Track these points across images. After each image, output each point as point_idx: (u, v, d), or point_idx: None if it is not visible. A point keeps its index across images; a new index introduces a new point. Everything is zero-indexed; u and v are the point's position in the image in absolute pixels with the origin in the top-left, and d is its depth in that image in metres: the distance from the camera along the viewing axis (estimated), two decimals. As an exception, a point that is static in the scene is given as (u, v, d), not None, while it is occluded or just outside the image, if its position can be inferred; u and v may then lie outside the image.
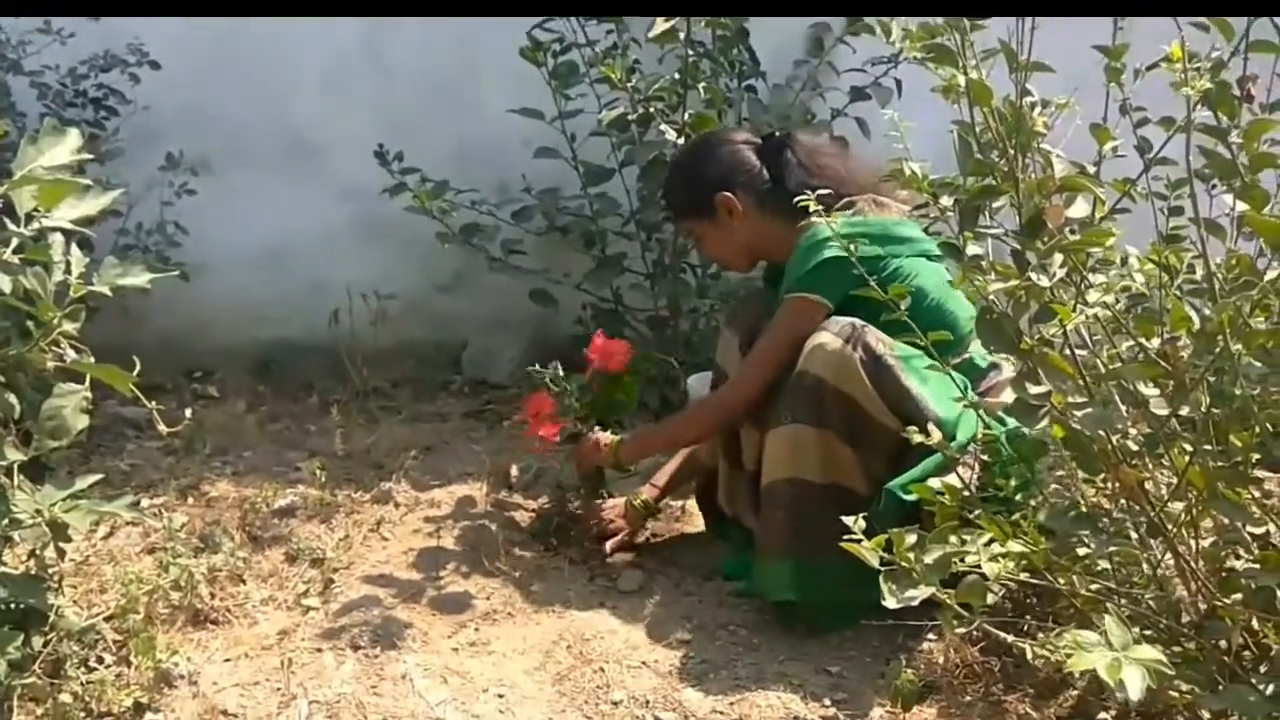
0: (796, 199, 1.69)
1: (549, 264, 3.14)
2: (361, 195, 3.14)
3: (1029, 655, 1.36)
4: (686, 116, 2.77)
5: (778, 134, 2.22)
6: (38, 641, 1.70)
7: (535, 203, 3.11)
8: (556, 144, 2.98)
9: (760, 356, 2.06)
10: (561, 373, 2.27)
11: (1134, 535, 1.47)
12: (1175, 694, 1.43)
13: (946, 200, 1.48)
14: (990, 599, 1.37)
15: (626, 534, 2.28)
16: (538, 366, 2.29)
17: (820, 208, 1.65)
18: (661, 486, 2.33)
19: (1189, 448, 1.38)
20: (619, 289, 3.11)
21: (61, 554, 1.77)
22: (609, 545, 2.24)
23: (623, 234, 3.07)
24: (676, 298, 3.01)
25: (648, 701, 1.74)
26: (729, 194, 2.13)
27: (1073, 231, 1.40)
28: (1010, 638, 1.44)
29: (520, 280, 3.14)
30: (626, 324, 3.12)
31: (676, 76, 2.78)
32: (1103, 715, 1.63)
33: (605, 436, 2.22)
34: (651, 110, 2.78)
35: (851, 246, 1.63)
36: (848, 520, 1.42)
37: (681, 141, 2.72)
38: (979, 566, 1.38)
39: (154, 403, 1.77)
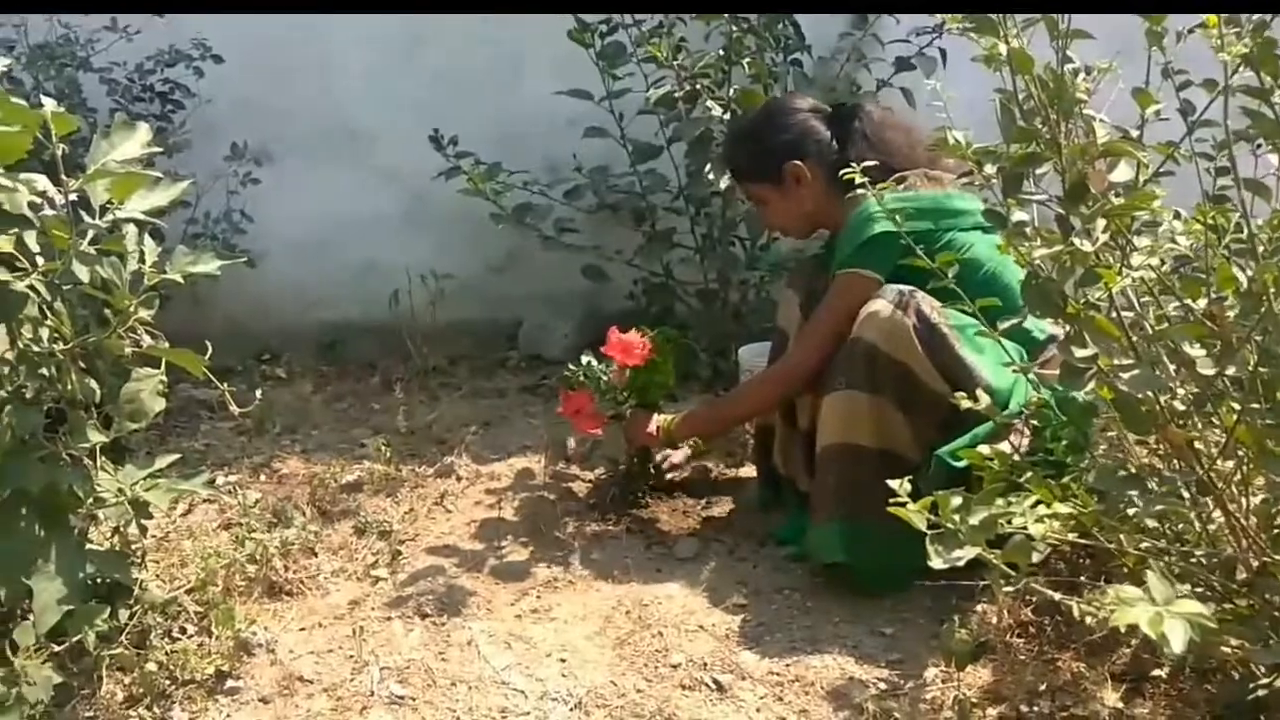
0: (843, 171, 1.71)
1: (600, 241, 3.18)
2: (415, 179, 3.20)
3: (1076, 613, 1.38)
4: (732, 92, 2.79)
5: (848, 104, 2.22)
6: (124, 614, 1.78)
7: (586, 181, 3.15)
8: (605, 123, 3.02)
9: (814, 332, 2.08)
10: (597, 365, 2.31)
11: (1184, 494, 1.48)
12: (1227, 650, 1.44)
13: (990, 168, 1.49)
14: (1036, 558, 1.39)
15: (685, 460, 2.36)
16: (571, 366, 2.34)
17: (867, 180, 1.67)
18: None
19: (1237, 406, 1.38)
20: (669, 263, 3.15)
21: (143, 530, 1.85)
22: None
23: (672, 209, 3.10)
24: (726, 270, 3.04)
25: (705, 664, 1.79)
26: (799, 162, 2.14)
27: (1116, 195, 1.41)
28: (1058, 595, 1.46)
29: (572, 257, 3.19)
30: (677, 298, 3.16)
31: (722, 53, 2.81)
32: (1156, 672, 1.65)
33: (658, 418, 2.27)
34: (698, 87, 2.80)
35: (899, 219, 1.65)
36: (894, 484, 1.45)
37: (728, 117, 2.74)
38: (1025, 528, 1.40)
39: (225, 385, 1.84)
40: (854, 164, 1.72)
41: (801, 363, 2.10)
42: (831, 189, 2.11)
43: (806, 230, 2.27)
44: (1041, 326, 1.94)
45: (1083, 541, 1.51)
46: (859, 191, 1.72)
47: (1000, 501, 1.43)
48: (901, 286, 1.94)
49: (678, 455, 2.40)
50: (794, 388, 2.13)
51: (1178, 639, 1.12)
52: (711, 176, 2.71)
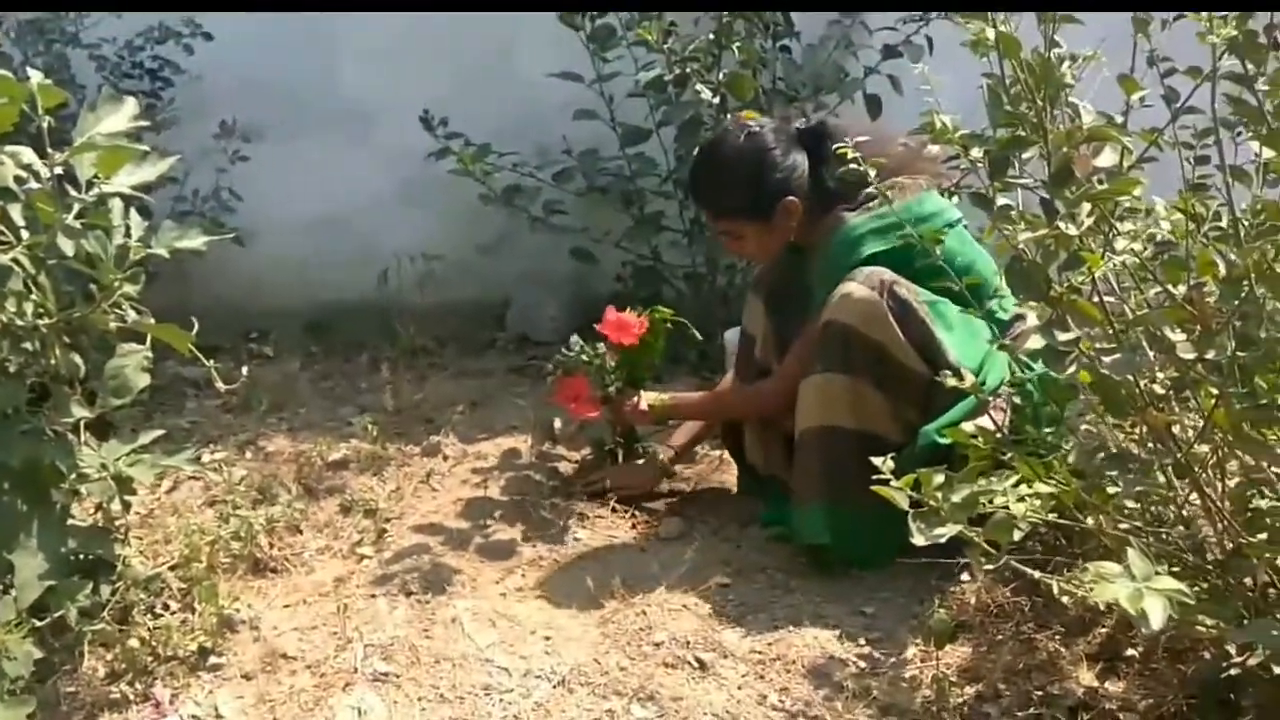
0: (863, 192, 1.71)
1: (589, 223, 3.19)
2: (407, 160, 3.19)
3: (1055, 591, 1.40)
4: (722, 76, 2.80)
5: (811, 124, 2.16)
6: (106, 590, 1.78)
7: (575, 164, 3.16)
8: (595, 106, 3.02)
9: (800, 355, 2.07)
10: (589, 350, 2.30)
11: (1161, 476, 1.50)
12: (1201, 629, 1.46)
13: (976, 152, 1.50)
14: (1017, 536, 1.41)
15: (643, 489, 2.34)
16: (565, 350, 2.34)
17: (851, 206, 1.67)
18: (681, 446, 2.39)
19: (1215, 391, 1.40)
20: (657, 246, 3.16)
21: (127, 507, 1.84)
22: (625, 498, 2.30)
23: (660, 193, 3.11)
24: (713, 254, 3.05)
25: (688, 642, 1.80)
26: (793, 199, 2.08)
27: (1100, 181, 1.42)
28: (1037, 574, 1.47)
29: (561, 239, 3.20)
30: (665, 280, 3.16)
31: (711, 37, 2.81)
32: (1130, 652, 1.67)
33: (649, 396, 2.28)
34: (688, 71, 2.81)
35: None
36: (878, 463, 1.46)
37: (717, 101, 2.75)
38: (1007, 506, 1.42)
39: (212, 362, 1.84)
40: (830, 184, 1.71)
41: (787, 381, 2.07)
42: (811, 210, 2.09)
43: (779, 254, 2.21)
44: (1006, 307, 1.95)
45: (1062, 522, 1.52)
46: (838, 210, 1.70)
47: (981, 480, 1.45)
48: (873, 268, 1.95)
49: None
50: (780, 406, 2.10)
51: (1157, 615, 1.13)
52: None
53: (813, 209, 2.08)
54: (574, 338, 2.35)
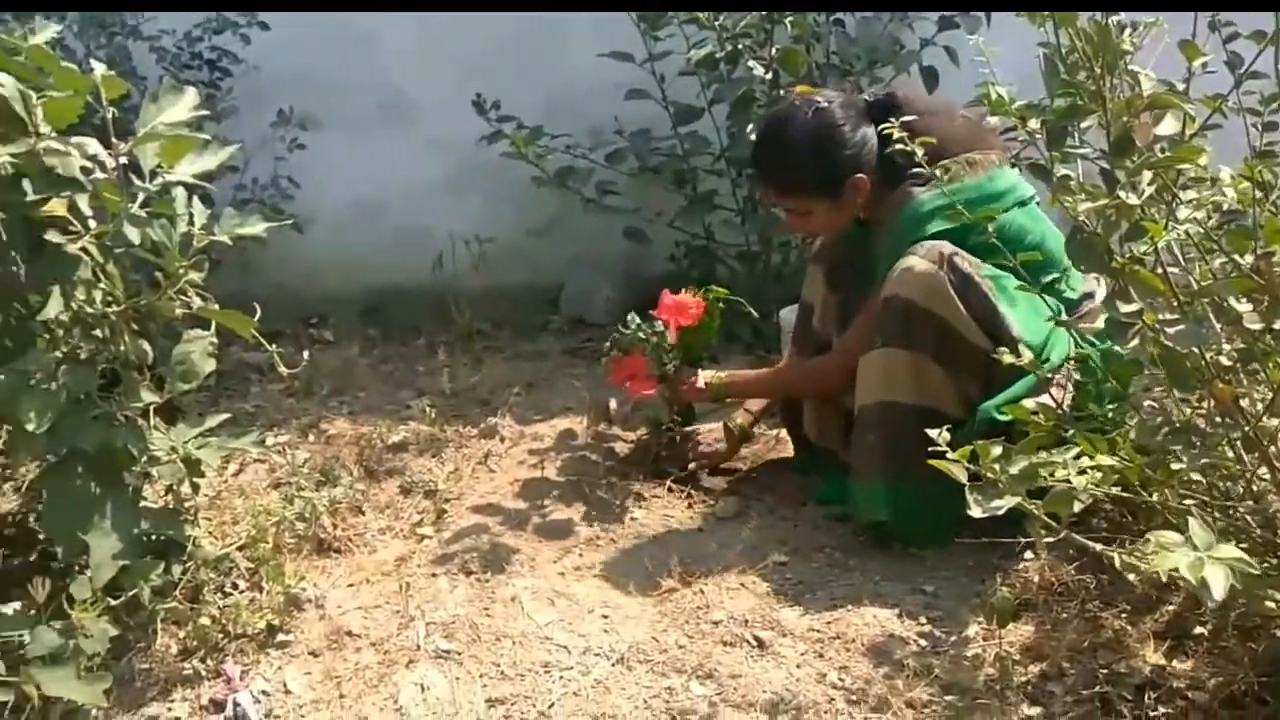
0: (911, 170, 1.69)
1: (642, 203, 3.20)
2: (458, 146, 3.22)
3: (1118, 565, 1.38)
4: (774, 52, 2.78)
5: (882, 97, 2.09)
6: (177, 570, 1.83)
7: (627, 144, 3.16)
8: (646, 85, 3.02)
9: (861, 330, 2.06)
10: (646, 329, 2.30)
11: (1229, 451, 1.47)
12: (1271, 604, 1.43)
13: (1034, 123, 1.48)
14: (1078, 509, 1.39)
15: (724, 456, 2.34)
16: (621, 330, 2.34)
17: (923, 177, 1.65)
18: (755, 412, 2.39)
19: (1285, 362, 1.37)
20: (710, 225, 3.15)
21: (196, 489, 1.90)
22: (706, 468, 2.31)
23: (713, 171, 3.10)
24: (767, 232, 3.04)
25: (746, 621, 1.80)
26: (862, 175, 2.05)
27: (1163, 149, 1.39)
28: (1099, 547, 1.45)
29: (614, 220, 3.21)
30: (718, 260, 3.16)
31: (763, 13, 2.78)
32: (1198, 630, 1.64)
33: (706, 374, 2.29)
34: (739, 47, 2.79)
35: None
36: (933, 433, 1.45)
37: (769, 77, 2.73)
38: (1068, 480, 1.40)
39: (274, 347, 1.88)
40: (899, 160, 1.68)
41: (846, 357, 2.07)
42: (880, 185, 2.06)
43: (845, 228, 2.19)
44: (1074, 285, 1.92)
45: (1125, 495, 1.50)
46: (906, 185, 1.67)
47: (1042, 453, 1.43)
48: (935, 242, 1.93)
49: (711, 445, 2.38)
50: (839, 381, 2.10)
51: (1218, 585, 1.11)
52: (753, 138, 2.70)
53: (881, 184, 2.05)
54: (631, 315, 2.36)
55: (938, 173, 1.67)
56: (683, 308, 2.27)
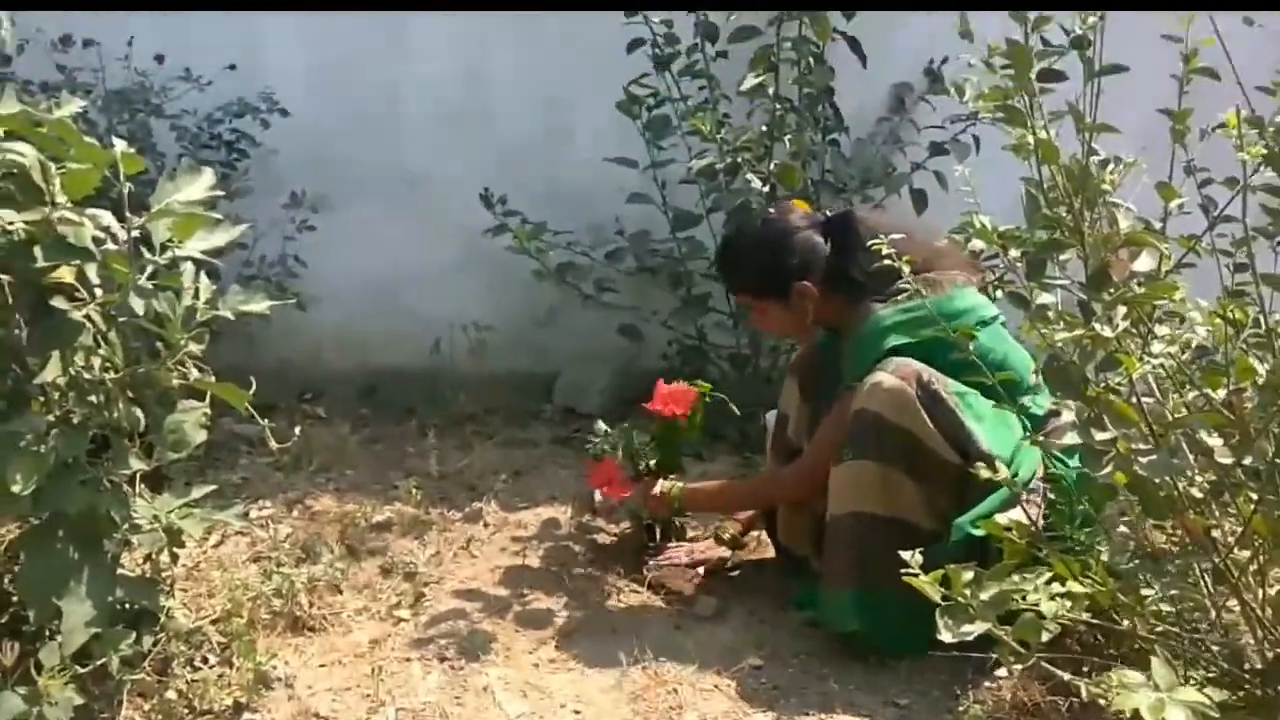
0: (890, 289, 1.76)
1: (638, 302, 3.26)
2: (464, 234, 3.28)
3: (1084, 694, 1.38)
4: (772, 167, 2.88)
5: (840, 212, 2.23)
6: (148, 640, 1.81)
7: (627, 244, 3.24)
8: (648, 190, 3.12)
9: (823, 441, 2.11)
10: (613, 434, 2.37)
11: (1200, 581, 1.49)
12: (1236, 740, 1.44)
13: (1015, 251, 1.53)
14: (1046, 637, 1.40)
15: (716, 562, 2.35)
16: (592, 437, 2.42)
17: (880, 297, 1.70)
18: (744, 521, 2.41)
19: (1254, 496, 1.40)
20: (703, 327, 3.21)
21: (174, 558, 1.89)
22: (699, 572, 2.31)
23: (708, 275, 3.16)
24: (757, 337, 3.10)
25: (717, 724, 1.80)
26: (807, 283, 2.14)
27: (1139, 284, 1.44)
28: (1068, 676, 1.46)
29: (611, 316, 3.26)
30: (709, 360, 3.21)
31: (764, 129, 2.90)
32: (1167, 759, 1.64)
33: (665, 485, 2.32)
34: (739, 160, 2.89)
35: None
36: (906, 555, 1.46)
37: (767, 190, 2.82)
38: (1038, 605, 1.41)
39: (267, 420, 1.89)
40: (857, 274, 1.75)
41: (810, 469, 2.12)
42: (834, 296, 2.14)
43: (807, 335, 2.29)
44: (1040, 403, 1.96)
45: (1095, 622, 1.51)
46: (869, 300, 1.72)
47: (1014, 577, 1.44)
48: (903, 359, 1.98)
49: (711, 552, 2.39)
50: (801, 493, 2.17)
51: (1179, 727, 1.13)
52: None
53: (837, 296, 2.12)
54: (599, 424, 2.41)
55: (901, 287, 1.73)
56: (678, 397, 2.32)
